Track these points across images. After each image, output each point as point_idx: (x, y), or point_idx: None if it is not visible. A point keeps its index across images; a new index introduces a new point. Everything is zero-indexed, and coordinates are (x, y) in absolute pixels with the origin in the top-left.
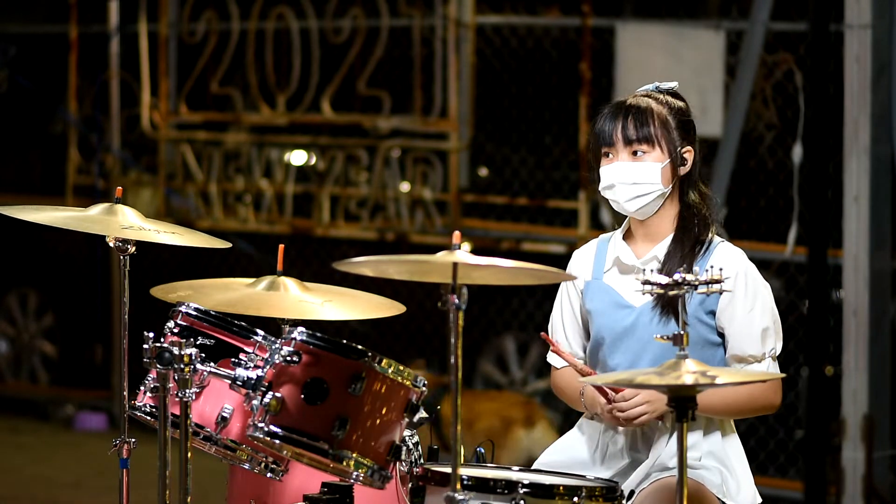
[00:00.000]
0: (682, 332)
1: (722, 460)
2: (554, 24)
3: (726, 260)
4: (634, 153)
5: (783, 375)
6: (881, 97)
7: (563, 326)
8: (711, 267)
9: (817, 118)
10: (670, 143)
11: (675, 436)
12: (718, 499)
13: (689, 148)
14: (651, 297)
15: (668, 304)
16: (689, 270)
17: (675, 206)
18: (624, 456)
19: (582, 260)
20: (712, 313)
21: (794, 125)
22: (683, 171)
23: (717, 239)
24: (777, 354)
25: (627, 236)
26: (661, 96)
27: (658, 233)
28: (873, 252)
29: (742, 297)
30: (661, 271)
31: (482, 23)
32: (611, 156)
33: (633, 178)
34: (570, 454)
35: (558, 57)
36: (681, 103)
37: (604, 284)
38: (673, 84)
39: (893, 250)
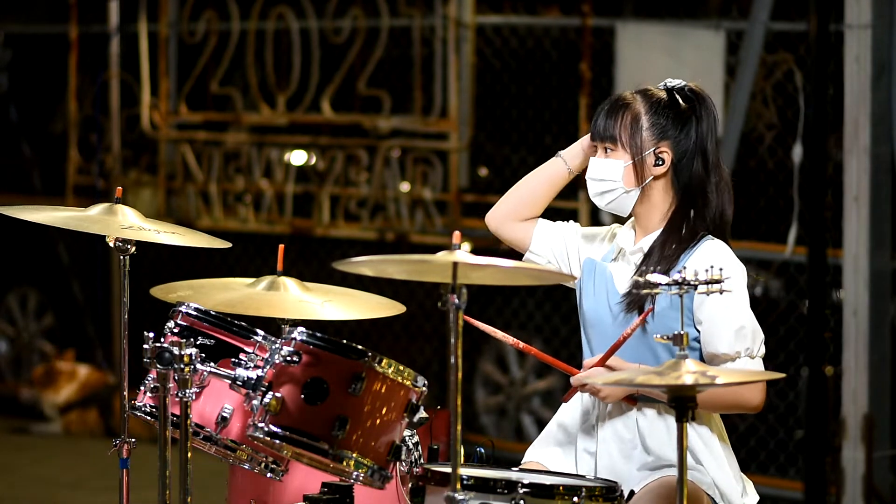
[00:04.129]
0: (682, 332)
1: (699, 459)
2: (554, 24)
3: (708, 257)
4: (605, 150)
5: (781, 375)
6: (881, 97)
7: (551, 230)
8: (711, 267)
9: (817, 118)
10: (634, 143)
11: (654, 431)
12: (711, 498)
13: (664, 148)
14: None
15: (636, 297)
16: (671, 267)
17: (666, 201)
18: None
19: (605, 241)
20: (688, 310)
21: (794, 125)
22: (659, 170)
23: (706, 236)
24: (755, 355)
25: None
26: (655, 92)
27: (648, 226)
28: (873, 252)
29: (728, 295)
30: (641, 264)
31: (482, 23)
32: (595, 150)
33: (599, 175)
34: (552, 439)
35: (558, 57)
36: (681, 102)
37: (604, 266)
38: (677, 81)
39: (893, 250)
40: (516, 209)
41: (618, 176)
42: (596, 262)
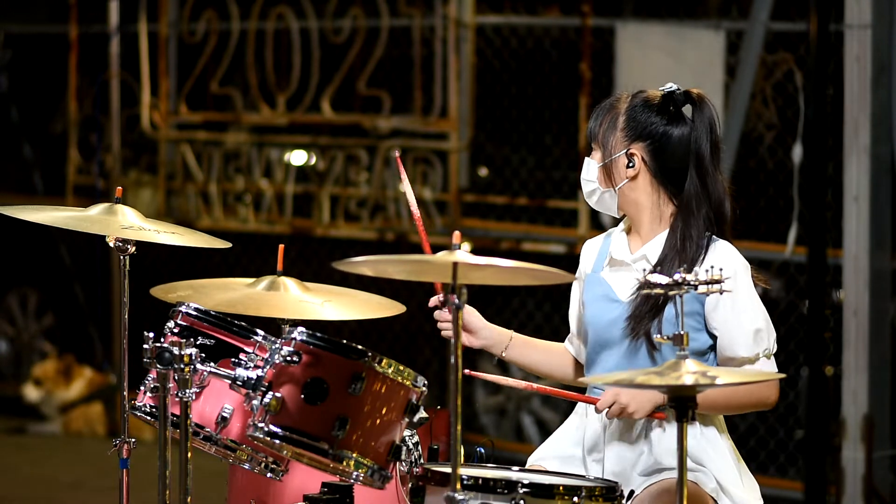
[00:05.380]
0: (681, 332)
1: (701, 461)
2: (554, 24)
3: (720, 260)
4: (592, 149)
5: (782, 376)
6: (881, 97)
7: (573, 319)
8: (712, 267)
9: (817, 118)
10: (606, 143)
11: (660, 433)
12: (714, 500)
13: (635, 150)
14: (633, 294)
15: (648, 303)
16: (689, 271)
17: (652, 202)
18: (597, 447)
19: (589, 252)
20: (699, 315)
21: (794, 125)
22: (631, 172)
23: (714, 238)
24: (771, 353)
25: (629, 229)
26: (647, 94)
27: (646, 230)
28: (873, 252)
29: (731, 298)
30: (652, 271)
31: (482, 23)
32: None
33: (584, 175)
34: (560, 445)
35: (558, 57)
36: (670, 106)
37: (599, 277)
38: (672, 85)
39: (893, 250)
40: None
41: (593, 175)
42: (589, 274)
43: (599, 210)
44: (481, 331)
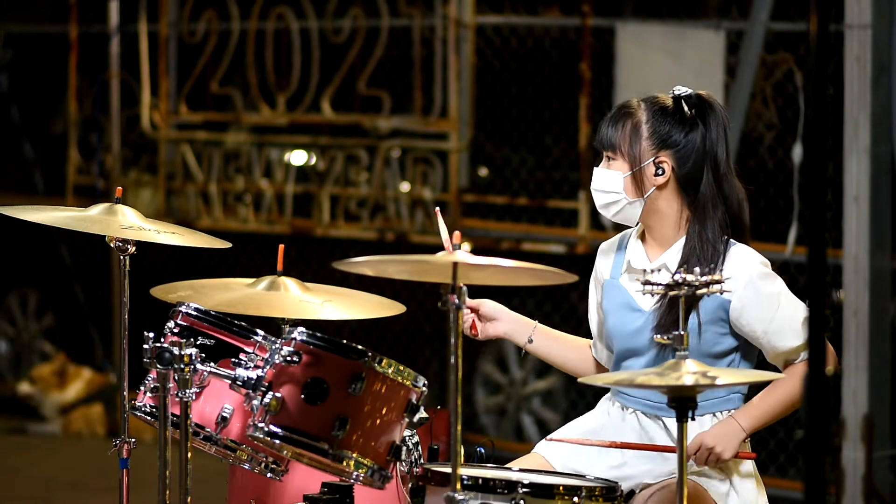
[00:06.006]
0: (682, 333)
1: (729, 468)
2: (554, 24)
3: (740, 263)
4: (608, 159)
5: (780, 376)
6: (881, 97)
7: (593, 324)
8: (712, 267)
9: (817, 118)
10: (632, 152)
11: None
12: None
13: (664, 158)
14: (655, 301)
15: (673, 311)
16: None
17: (675, 210)
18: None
19: (605, 257)
20: (723, 321)
21: (794, 125)
22: (660, 180)
23: (732, 242)
24: None
25: (643, 236)
26: (661, 100)
27: (663, 238)
28: (873, 252)
29: (768, 297)
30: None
31: (482, 23)
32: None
33: (601, 186)
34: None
35: (558, 57)
36: (686, 110)
37: (618, 284)
38: (684, 89)
39: (893, 250)
40: (577, 368)
41: (619, 186)
42: (607, 280)
43: (618, 221)
44: (504, 318)
